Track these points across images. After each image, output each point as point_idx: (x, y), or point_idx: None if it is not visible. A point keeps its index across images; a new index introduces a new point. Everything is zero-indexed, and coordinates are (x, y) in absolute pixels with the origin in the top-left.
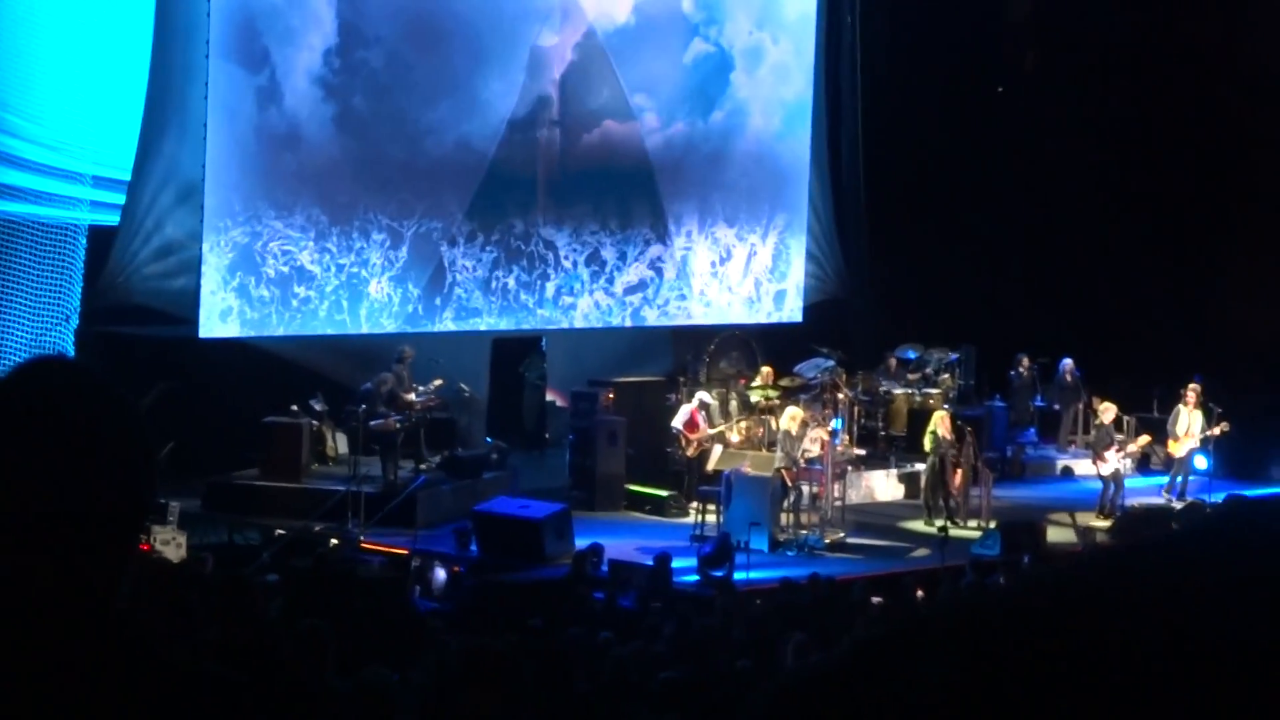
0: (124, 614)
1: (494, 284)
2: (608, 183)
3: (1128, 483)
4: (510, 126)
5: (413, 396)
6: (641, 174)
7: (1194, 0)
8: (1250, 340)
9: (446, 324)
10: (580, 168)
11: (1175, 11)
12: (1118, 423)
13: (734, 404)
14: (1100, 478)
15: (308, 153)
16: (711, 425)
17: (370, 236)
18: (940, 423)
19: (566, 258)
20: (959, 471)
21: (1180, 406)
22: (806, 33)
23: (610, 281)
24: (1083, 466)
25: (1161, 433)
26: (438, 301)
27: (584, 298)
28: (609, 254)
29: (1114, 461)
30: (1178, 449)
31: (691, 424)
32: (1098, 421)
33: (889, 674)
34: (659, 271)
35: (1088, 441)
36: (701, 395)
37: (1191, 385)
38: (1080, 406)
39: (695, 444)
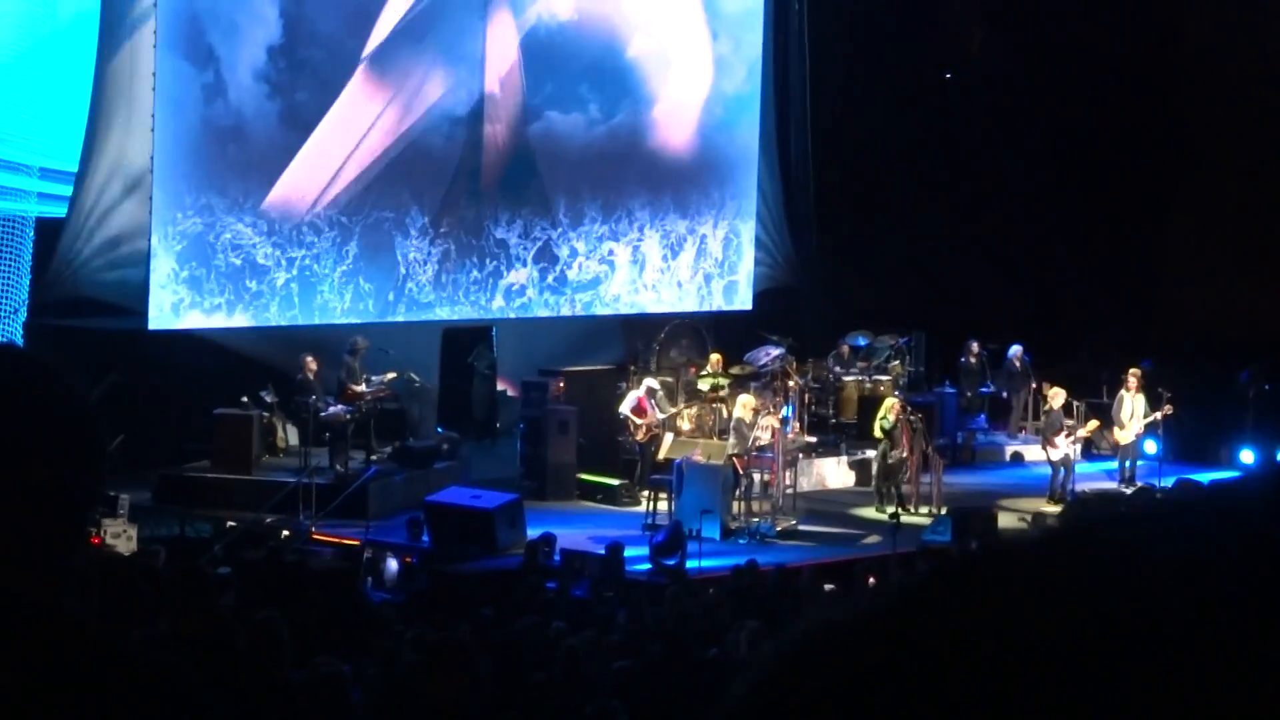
0: (71, 608)
1: (444, 278)
2: (554, 176)
3: (1077, 468)
4: (455, 121)
5: (363, 388)
6: (587, 166)
7: None
8: (1198, 324)
9: (398, 315)
10: (527, 161)
11: None
12: (1067, 408)
13: (685, 391)
14: (1050, 463)
15: (255, 147)
16: (661, 411)
17: (320, 230)
18: (891, 410)
19: (517, 257)
20: (911, 458)
21: (1123, 392)
22: (746, 26)
23: (562, 280)
24: (1033, 452)
25: (1110, 417)
26: (390, 296)
27: (536, 296)
28: (561, 250)
29: (1064, 447)
30: (1123, 435)
31: (640, 410)
32: (1047, 407)
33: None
34: (610, 265)
35: (1038, 427)
36: (649, 381)
37: (1132, 370)
38: (1029, 392)
39: (644, 429)
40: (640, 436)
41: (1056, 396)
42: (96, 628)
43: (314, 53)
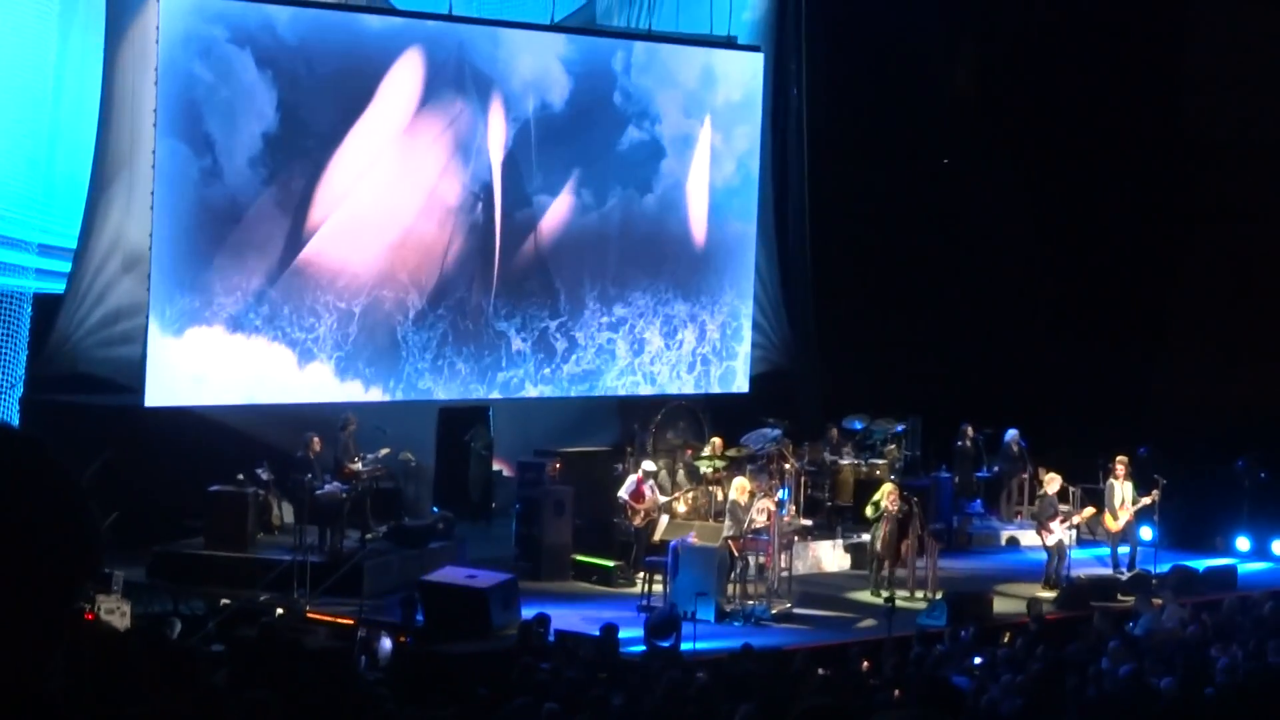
0: (52, 690)
1: (441, 362)
2: (550, 262)
3: (1072, 554)
4: (451, 208)
5: (358, 465)
6: (581, 253)
7: (1136, 73)
8: (1195, 410)
9: (395, 394)
10: (523, 249)
11: (1117, 84)
12: (1062, 493)
13: (681, 474)
14: (1045, 548)
15: (253, 229)
16: (660, 494)
17: (318, 312)
18: (887, 495)
19: (516, 347)
20: (907, 542)
21: (1111, 480)
22: (736, 119)
23: (560, 364)
24: (1028, 537)
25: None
26: (388, 378)
27: (533, 381)
28: (558, 336)
29: (1058, 532)
30: (1114, 522)
31: (638, 494)
32: (1042, 492)
33: None
34: (608, 350)
35: (1033, 512)
36: (647, 465)
37: (1119, 458)
38: (1025, 477)
39: (642, 514)
40: (638, 521)
41: (1052, 482)
42: (68, 705)
43: (309, 141)
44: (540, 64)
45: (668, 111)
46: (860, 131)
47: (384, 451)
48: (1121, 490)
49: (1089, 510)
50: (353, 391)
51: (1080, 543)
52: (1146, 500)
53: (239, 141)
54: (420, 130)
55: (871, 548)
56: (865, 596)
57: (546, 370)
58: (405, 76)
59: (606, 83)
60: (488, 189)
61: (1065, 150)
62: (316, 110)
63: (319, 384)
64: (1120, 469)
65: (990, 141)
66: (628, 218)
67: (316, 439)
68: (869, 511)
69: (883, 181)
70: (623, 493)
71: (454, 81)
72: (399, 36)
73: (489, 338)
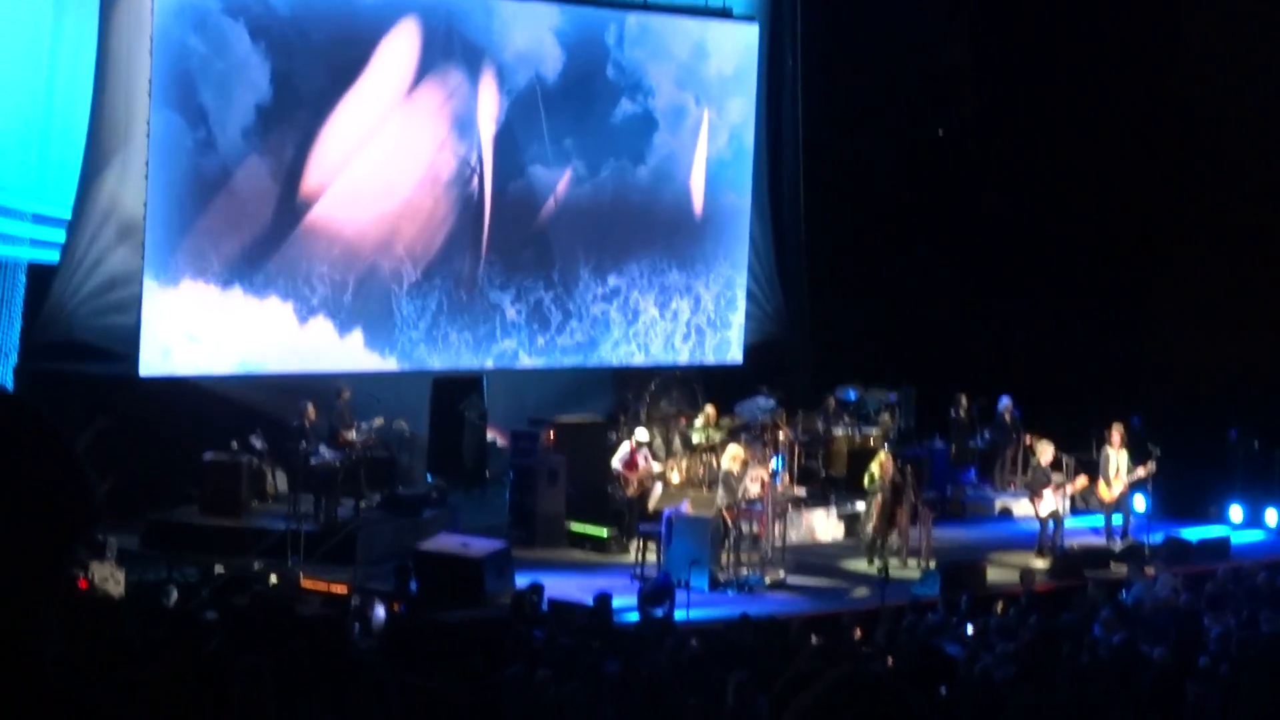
0: (44, 656)
1: (436, 332)
2: (544, 232)
3: (1066, 523)
4: (445, 180)
5: (353, 434)
6: (574, 224)
7: (1130, 46)
8: (1188, 380)
9: (389, 363)
10: (517, 220)
11: (1112, 57)
12: (1056, 463)
13: (676, 443)
14: (1038, 518)
15: (248, 199)
16: (654, 463)
17: (313, 283)
18: (880, 464)
19: (511, 320)
20: (901, 511)
21: (1107, 448)
22: (728, 92)
23: (555, 334)
24: (1022, 506)
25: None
26: (383, 347)
27: (528, 357)
28: (553, 305)
29: (1051, 501)
30: (1107, 491)
31: (631, 463)
32: (1035, 461)
33: None
34: (602, 319)
35: (1026, 481)
36: (640, 434)
37: (1115, 426)
38: (1018, 446)
39: (636, 483)
40: (632, 491)
41: (1044, 451)
42: (66, 676)
43: (303, 113)
44: (533, 36)
45: (660, 84)
46: (855, 102)
47: (378, 421)
48: (1116, 459)
49: (1082, 480)
50: (347, 360)
51: (1074, 512)
52: (1141, 471)
53: (233, 112)
54: (415, 101)
55: (866, 516)
56: (859, 566)
57: (540, 340)
58: (399, 48)
59: (599, 55)
60: (481, 160)
61: (1059, 120)
62: (310, 81)
63: (314, 353)
64: (1116, 438)
65: (985, 111)
66: (621, 189)
67: (311, 407)
68: (866, 481)
69: (877, 152)
70: (616, 462)
71: (447, 53)
72: (392, 8)
73: (483, 308)
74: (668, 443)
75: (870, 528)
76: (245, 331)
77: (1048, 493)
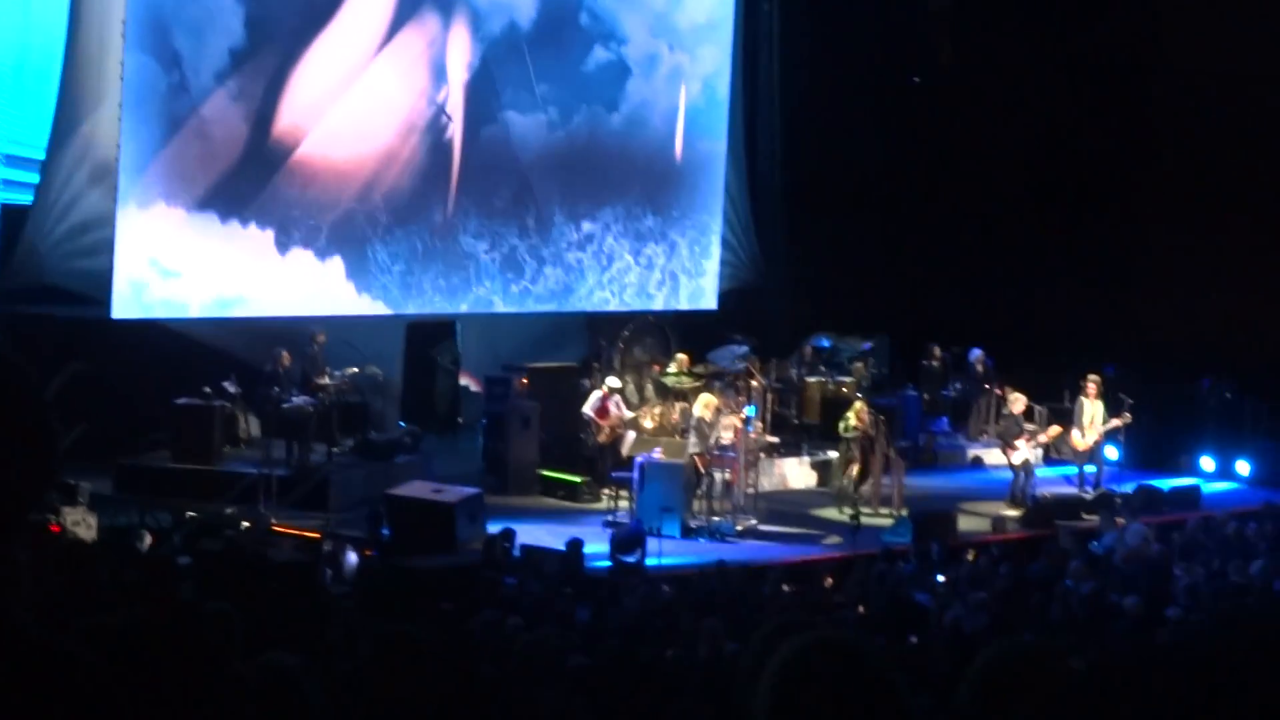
0: (11, 601)
1: (410, 278)
2: (517, 178)
3: (1038, 473)
4: (417, 126)
5: (326, 380)
6: (548, 170)
7: None
8: (1160, 330)
9: (362, 306)
10: (491, 166)
11: (1090, 7)
12: (1028, 412)
13: (649, 390)
14: (1010, 467)
15: (222, 145)
16: (626, 410)
17: (289, 228)
18: (856, 412)
19: (484, 266)
20: (874, 460)
21: (1082, 398)
22: (702, 40)
23: (530, 281)
24: (994, 456)
25: (1071, 423)
26: (357, 291)
27: (502, 303)
28: (526, 257)
29: (1024, 451)
30: (1082, 441)
31: (603, 410)
32: (1007, 411)
33: None
34: (575, 266)
35: (998, 431)
36: (611, 380)
37: (1090, 376)
38: (991, 396)
39: (607, 430)
40: (603, 438)
41: (1016, 401)
42: (33, 616)
43: (277, 58)
44: None
45: (634, 32)
46: (832, 49)
47: (351, 370)
48: (1091, 409)
49: (1055, 429)
50: (321, 304)
51: (1048, 461)
52: (1117, 421)
53: (206, 56)
54: (389, 47)
55: (840, 464)
56: (831, 513)
57: (514, 287)
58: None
59: (572, 3)
60: (454, 107)
61: (1039, 71)
62: (284, 25)
63: (286, 296)
64: (1092, 388)
65: (964, 60)
66: (595, 135)
67: (286, 353)
68: (841, 429)
69: (854, 99)
70: (587, 408)
71: None
72: None
73: (457, 254)
74: (641, 389)
75: (845, 476)
76: (218, 271)
77: (1020, 442)
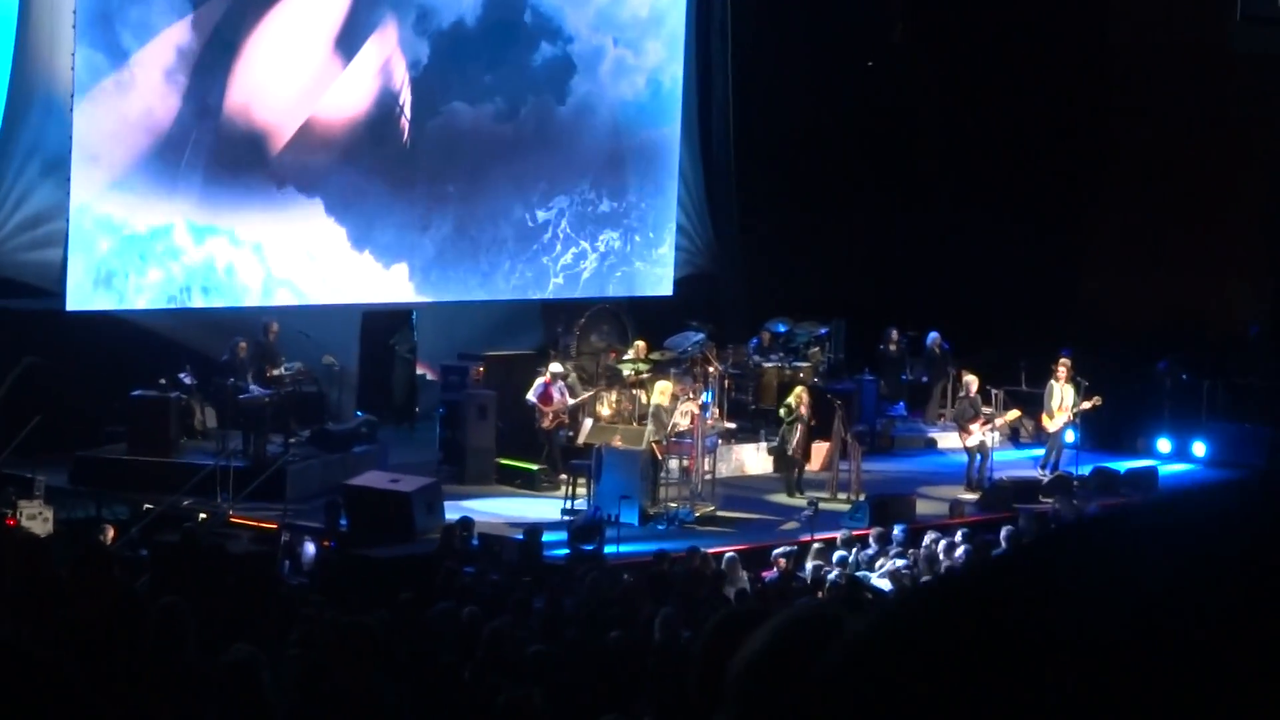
0: None
1: (365, 268)
2: (468, 167)
3: (1000, 456)
4: (370, 119)
5: (280, 370)
6: (501, 159)
7: None
8: (1117, 313)
9: (319, 297)
10: (445, 156)
11: None
12: (984, 395)
13: (601, 377)
14: (966, 450)
15: (172, 137)
16: (570, 397)
17: (238, 214)
18: (797, 396)
19: (438, 255)
20: (825, 445)
21: (1052, 381)
22: (646, 34)
23: (478, 275)
24: (951, 439)
25: (1031, 406)
26: (311, 279)
27: (458, 291)
28: (481, 246)
29: (979, 434)
30: (1051, 424)
31: (546, 396)
32: (962, 394)
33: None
34: (534, 258)
35: (954, 414)
36: (554, 367)
37: (1062, 360)
38: (948, 380)
39: (550, 416)
40: (547, 424)
41: (972, 384)
42: None
43: (224, 54)
44: None
45: (579, 28)
46: (786, 32)
47: (299, 365)
48: (1061, 392)
49: (1013, 413)
50: (277, 294)
51: (1015, 443)
52: (1087, 404)
53: (153, 54)
54: (337, 41)
55: (781, 449)
56: (788, 499)
57: (470, 276)
58: None
59: (517, 2)
60: (400, 100)
61: (990, 54)
62: (233, 22)
63: (242, 287)
64: (1063, 371)
65: (915, 44)
66: (543, 125)
67: (243, 344)
68: (782, 413)
69: (807, 83)
70: (530, 395)
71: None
72: None
73: (410, 243)
74: (597, 377)
75: (789, 461)
76: (171, 263)
77: (974, 426)
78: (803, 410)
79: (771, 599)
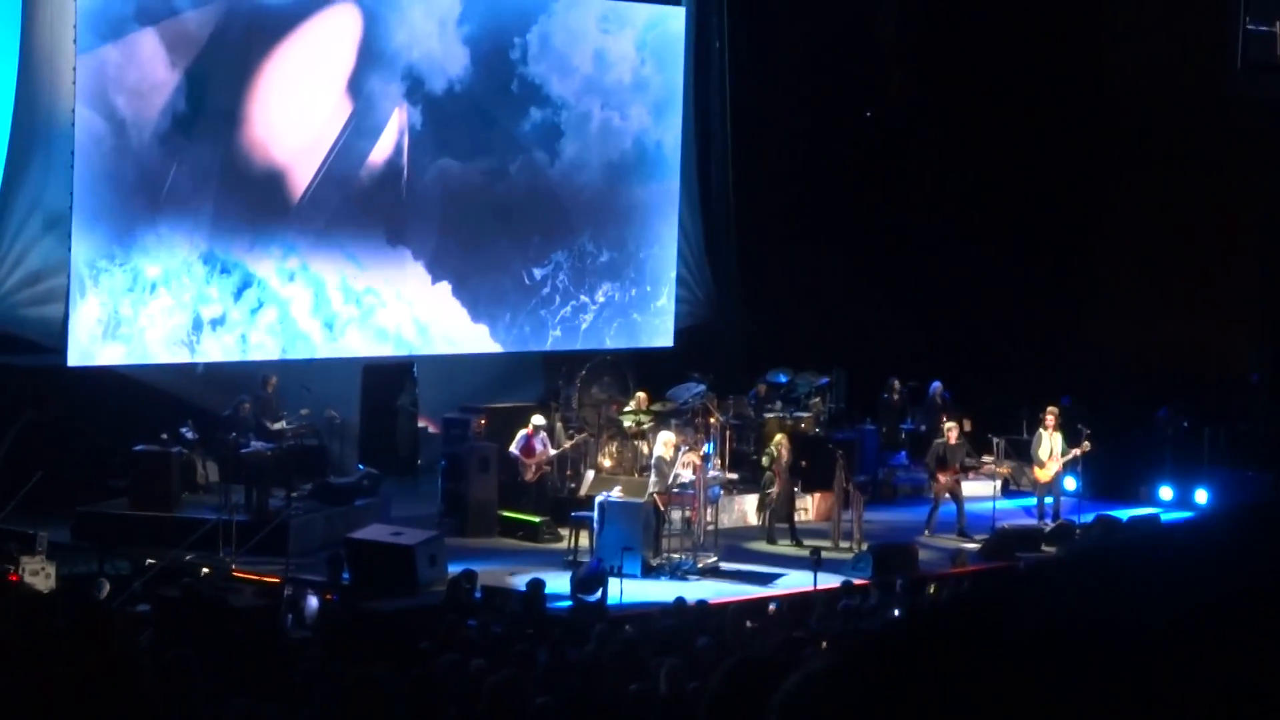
0: None
1: (368, 321)
2: (468, 223)
3: (998, 504)
4: (368, 177)
5: (281, 425)
6: (498, 215)
7: (1060, 24)
8: (1117, 361)
9: (318, 351)
10: (438, 211)
11: (1040, 35)
12: (986, 444)
13: (603, 429)
14: (933, 496)
15: (171, 198)
16: (554, 446)
17: (235, 273)
18: (778, 444)
19: (440, 310)
20: (830, 495)
21: (1040, 430)
22: (629, 100)
23: (482, 329)
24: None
25: (1029, 455)
26: (311, 335)
27: (459, 344)
28: (480, 300)
29: (946, 482)
30: (1042, 473)
31: (528, 448)
32: (939, 439)
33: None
34: (534, 312)
35: (930, 457)
36: (535, 419)
37: (1050, 409)
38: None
39: (533, 468)
40: (529, 476)
41: (951, 430)
42: None
43: (217, 119)
44: (443, 46)
45: (565, 95)
46: (784, 84)
47: (305, 412)
48: (1049, 441)
49: (1007, 465)
50: (279, 348)
51: (1008, 493)
52: (1077, 451)
53: (149, 119)
54: (326, 99)
55: (764, 498)
56: (790, 549)
57: (471, 329)
58: (309, 48)
59: (505, 71)
60: (393, 163)
61: (990, 102)
62: (224, 84)
63: (243, 341)
64: (1050, 420)
65: (915, 93)
66: (536, 182)
67: (247, 403)
68: (764, 461)
69: (807, 134)
70: (513, 448)
71: (356, 54)
72: (302, 6)
73: (409, 299)
74: (599, 429)
75: (770, 506)
76: (173, 321)
77: (944, 475)
78: (783, 456)
79: (775, 650)
